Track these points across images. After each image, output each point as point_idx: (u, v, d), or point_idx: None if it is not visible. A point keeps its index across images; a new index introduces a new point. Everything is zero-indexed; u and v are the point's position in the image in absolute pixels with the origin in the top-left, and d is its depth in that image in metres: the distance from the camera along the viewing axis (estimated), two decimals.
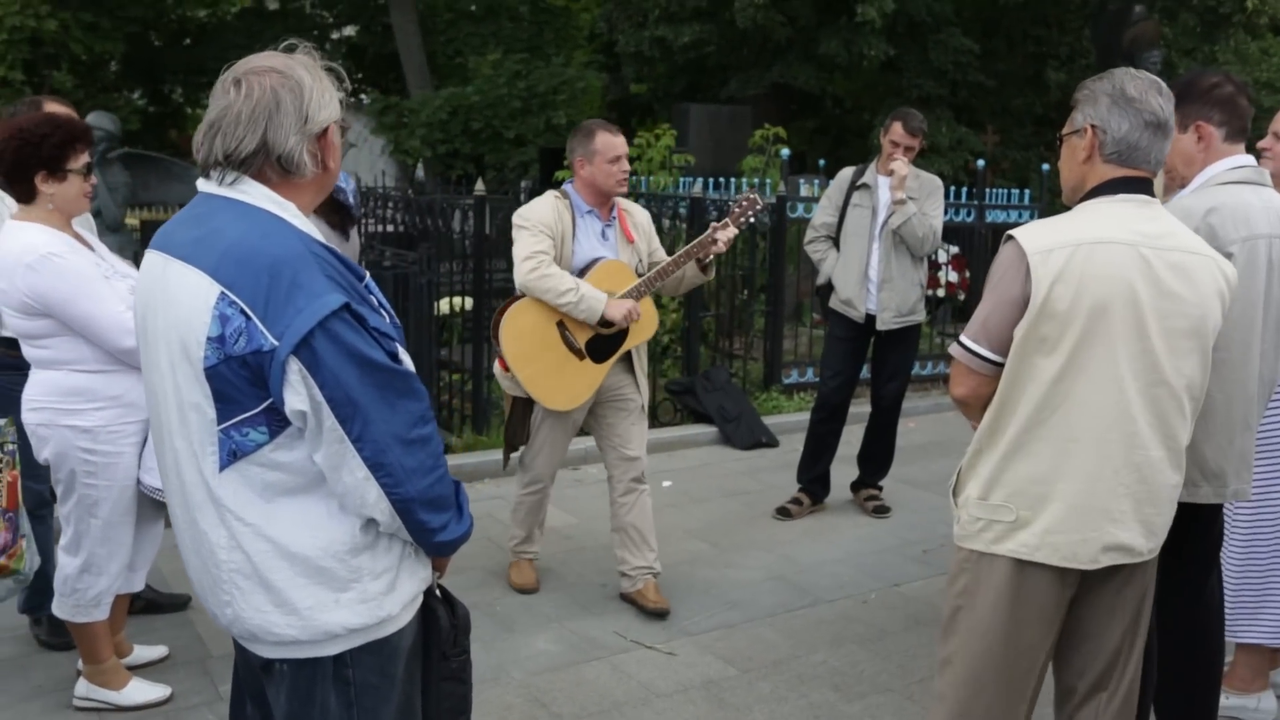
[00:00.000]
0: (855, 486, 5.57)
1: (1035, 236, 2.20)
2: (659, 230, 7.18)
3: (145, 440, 3.18)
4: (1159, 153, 2.25)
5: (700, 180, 8.32)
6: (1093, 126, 2.25)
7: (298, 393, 1.64)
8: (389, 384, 1.68)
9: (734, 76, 15.00)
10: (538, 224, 3.95)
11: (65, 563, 3.21)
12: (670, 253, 4.24)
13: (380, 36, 18.55)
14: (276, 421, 1.68)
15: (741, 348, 7.77)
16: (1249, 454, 2.69)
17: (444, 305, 6.59)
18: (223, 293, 1.63)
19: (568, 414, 4.12)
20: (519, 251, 3.93)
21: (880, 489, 5.52)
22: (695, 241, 4.07)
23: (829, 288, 5.30)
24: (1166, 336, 2.18)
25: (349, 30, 19.74)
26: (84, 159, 3.09)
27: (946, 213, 8.48)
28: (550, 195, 4.08)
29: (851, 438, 5.55)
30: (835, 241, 5.29)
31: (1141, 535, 2.26)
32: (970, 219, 8.62)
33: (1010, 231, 2.24)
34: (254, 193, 1.72)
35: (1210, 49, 14.57)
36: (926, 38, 13.85)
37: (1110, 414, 2.19)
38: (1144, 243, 2.18)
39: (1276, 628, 3.32)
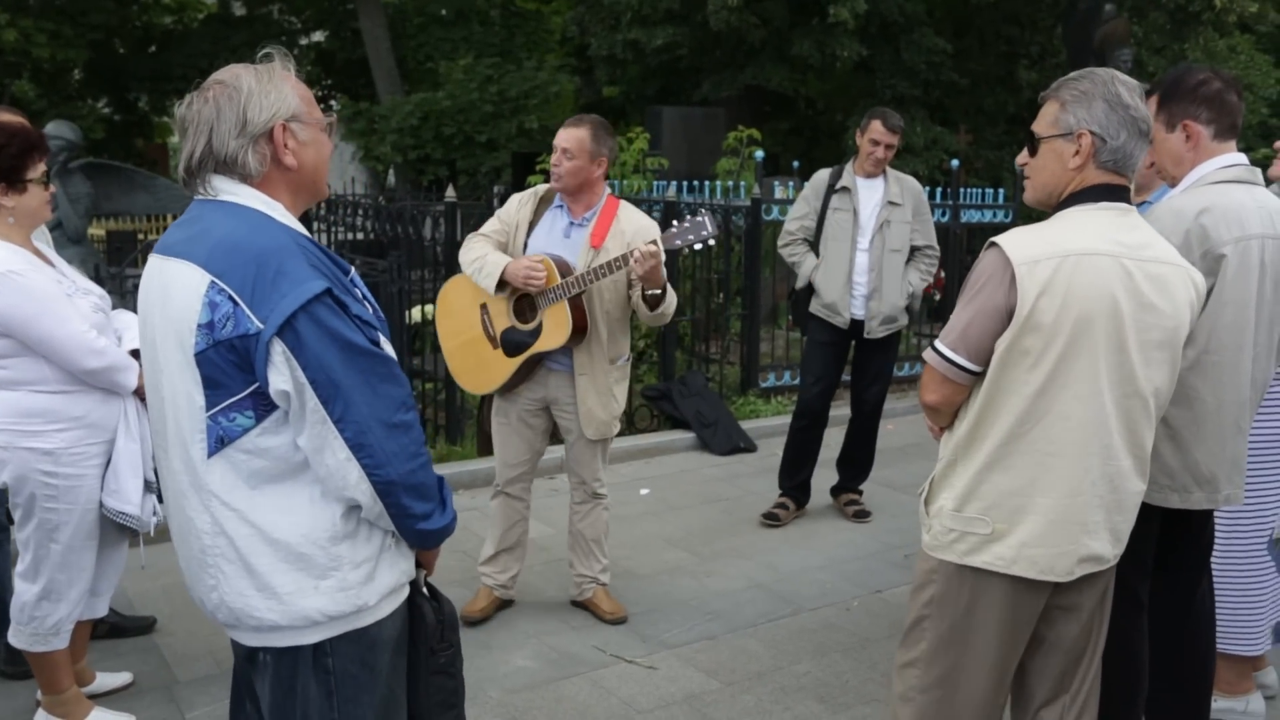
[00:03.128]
0: (835, 491, 5.51)
1: (1021, 245, 2.13)
2: None
3: (108, 462, 3.09)
4: (1140, 159, 2.22)
5: (674, 184, 8.27)
6: (1092, 133, 2.17)
7: (281, 374, 1.70)
8: (370, 368, 1.75)
9: (707, 79, 14.95)
10: (500, 210, 4.01)
11: (23, 590, 3.09)
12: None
13: (349, 42, 18.40)
14: (263, 406, 1.75)
15: (718, 352, 7.71)
16: (1241, 458, 2.65)
17: (415, 313, 6.48)
18: (213, 281, 1.71)
19: (509, 414, 3.97)
20: None
21: (860, 493, 5.47)
22: (616, 257, 3.65)
23: (808, 292, 5.20)
24: (1142, 348, 2.15)
25: (317, 36, 19.58)
26: (41, 167, 3.01)
27: None
28: (537, 186, 4.07)
29: (830, 440, 5.49)
30: (813, 245, 5.20)
31: (1110, 543, 2.25)
32: (945, 219, 8.60)
33: (994, 239, 2.17)
34: (242, 194, 1.81)
35: (1180, 47, 14.65)
36: (899, 38, 13.86)
37: (1090, 427, 2.15)
38: (1126, 254, 2.14)
39: (1245, 639, 3.29)
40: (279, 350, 1.69)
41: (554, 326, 3.76)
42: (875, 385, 5.28)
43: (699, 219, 3.72)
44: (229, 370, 1.73)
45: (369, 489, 1.76)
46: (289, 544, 1.78)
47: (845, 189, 5.09)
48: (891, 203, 5.04)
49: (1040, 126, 2.25)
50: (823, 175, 5.25)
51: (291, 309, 1.68)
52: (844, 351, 5.28)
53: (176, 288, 1.76)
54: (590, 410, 3.88)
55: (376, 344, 1.78)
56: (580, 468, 4.05)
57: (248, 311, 1.69)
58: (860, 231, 5.05)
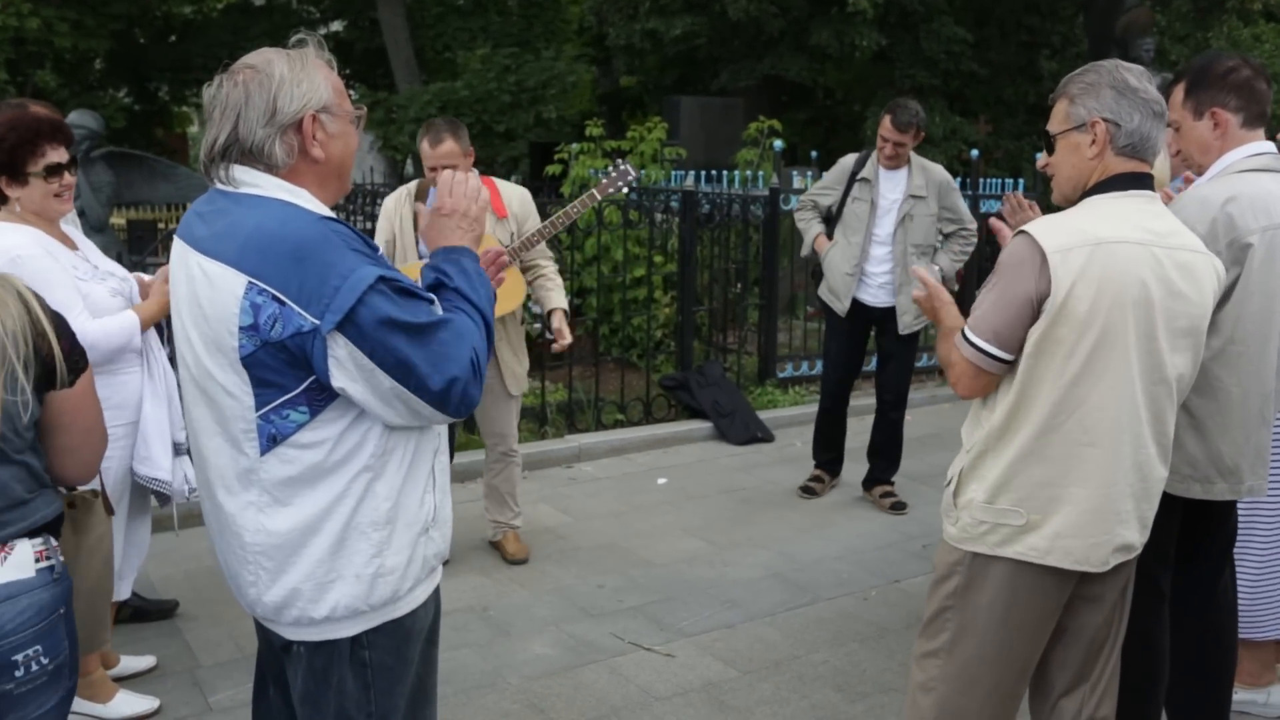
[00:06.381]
0: (868, 484, 5.49)
1: (1051, 233, 2.12)
2: (650, 222, 7.14)
3: (135, 439, 3.15)
4: (1161, 142, 2.22)
5: (692, 173, 8.25)
6: (1104, 120, 2.17)
7: (344, 368, 1.66)
8: (434, 335, 1.71)
9: (725, 68, 14.92)
10: (382, 215, 4.32)
11: None
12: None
13: (367, 31, 18.42)
14: (318, 400, 1.72)
15: (735, 342, 7.71)
16: (1265, 450, 2.63)
17: None
18: (250, 282, 1.66)
19: None
20: None
21: (893, 483, 5.44)
22: (561, 211, 4.20)
23: (818, 267, 5.28)
24: (1170, 336, 2.15)
25: (336, 25, 19.60)
26: (45, 161, 2.94)
27: None
28: (408, 185, 4.37)
29: (860, 428, 5.50)
30: (828, 226, 5.24)
31: (1139, 531, 2.25)
32: None
33: (1023, 227, 2.16)
34: (264, 184, 1.75)
35: (1203, 35, 14.53)
36: (919, 27, 13.79)
37: (1124, 416, 2.15)
38: (1155, 242, 2.13)
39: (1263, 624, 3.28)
40: (340, 344, 1.64)
41: (509, 291, 4.10)
42: (895, 378, 5.29)
43: (622, 168, 4.29)
44: (280, 369, 1.68)
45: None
46: (329, 539, 1.78)
47: (866, 180, 5.08)
48: (914, 196, 5.02)
49: (1053, 125, 2.27)
50: (848, 161, 5.26)
51: (349, 303, 1.62)
52: (861, 338, 5.32)
53: (209, 288, 1.71)
54: (510, 367, 4.33)
55: (433, 303, 1.74)
56: (499, 425, 4.42)
57: (297, 309, 1.64)
58: (876, 224, 5.04)
